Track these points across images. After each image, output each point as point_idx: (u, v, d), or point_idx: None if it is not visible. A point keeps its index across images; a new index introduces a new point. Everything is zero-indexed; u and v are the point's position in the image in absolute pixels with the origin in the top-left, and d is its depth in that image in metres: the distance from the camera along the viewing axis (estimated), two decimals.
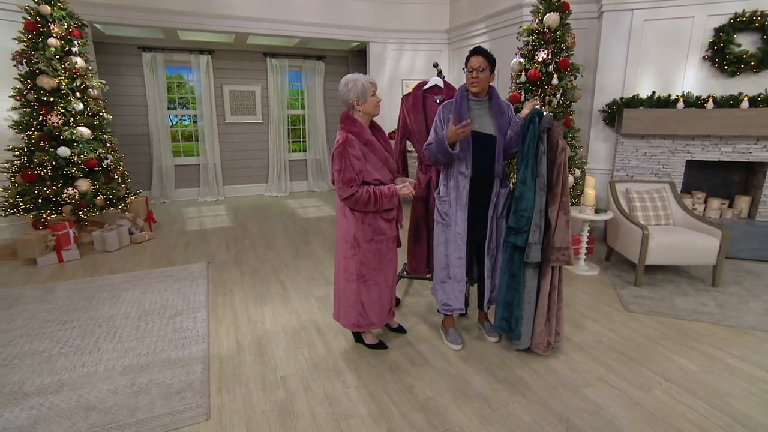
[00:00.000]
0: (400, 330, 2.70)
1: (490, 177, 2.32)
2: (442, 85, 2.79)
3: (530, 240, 2.20)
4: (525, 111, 2.24)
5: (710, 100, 3.93)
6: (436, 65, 2.87)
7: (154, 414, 1.94)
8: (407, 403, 2.04)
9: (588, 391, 2.13)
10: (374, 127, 2.28)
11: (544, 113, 2.17)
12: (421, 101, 2.82)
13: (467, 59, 2.27)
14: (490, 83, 2.31)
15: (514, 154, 2.36)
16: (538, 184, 2.18)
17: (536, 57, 4.05)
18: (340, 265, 2.35)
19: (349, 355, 2.46)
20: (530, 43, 4.12)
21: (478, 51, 2.24)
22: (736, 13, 3.86)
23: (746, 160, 4.04)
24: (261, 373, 2.28)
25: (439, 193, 2.45)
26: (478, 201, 2.35)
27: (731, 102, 3.88)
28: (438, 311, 2.63)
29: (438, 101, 2.78)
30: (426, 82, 2.83)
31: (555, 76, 3.98)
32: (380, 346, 2.52)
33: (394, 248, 2.38)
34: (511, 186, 2.47)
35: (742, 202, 4.19)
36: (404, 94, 2.92)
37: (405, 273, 3.33)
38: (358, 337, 2.57)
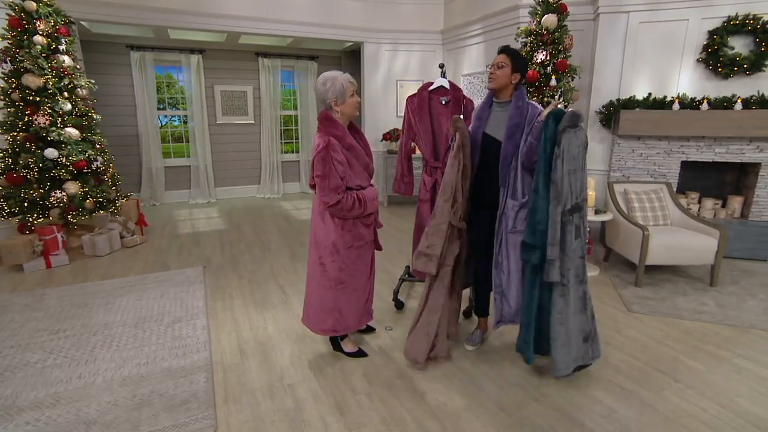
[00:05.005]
0: (369, 330, 2.70)
1: (495, 183, 2.24)
2: (447, 86, 2.75)
3: (549, 255, 2.00)
4: (544, 113, 2.09)
5: (705, 101, 3.98)
6: (441, 66, 2.84)
7: (159, 427, 1.86)
8: (420, 410, 2.00)
9: (599, 394, 2.12)
10: (352, 128, 2.16)
11: (567, 110, 2.00)
12: (426, 103, 2.77)
13: None
14: (513, 83, 2.17)
15: (535, 162, 2.13)
16: (552, 192, 2.00)
17: (534, 58, 4.06)
18: (314, 271, 2.23)
19: (356, 360, 2.40)
20: (528, 44, 4.13)
21: (502, 49, 2.20)
22: (729, 17, 3.92)
23: (739, 161, 4.10)
24: (267, 382, 2.21)
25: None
26: (481, 202, 2.31)
27: (725, 104, 3.94)
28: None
29: (444, 102, 2.75)
30: (431, 84, 2.79)
31: (553, 77, 3.99)
32: (359, 353, 2.44)
33: (372, 251, 2.34)
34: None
35: (735, 202, 4.25)
36: (409, 95, 2.87)
37: (408, 276, 3.28)
38: (336, 346, 2.47)
